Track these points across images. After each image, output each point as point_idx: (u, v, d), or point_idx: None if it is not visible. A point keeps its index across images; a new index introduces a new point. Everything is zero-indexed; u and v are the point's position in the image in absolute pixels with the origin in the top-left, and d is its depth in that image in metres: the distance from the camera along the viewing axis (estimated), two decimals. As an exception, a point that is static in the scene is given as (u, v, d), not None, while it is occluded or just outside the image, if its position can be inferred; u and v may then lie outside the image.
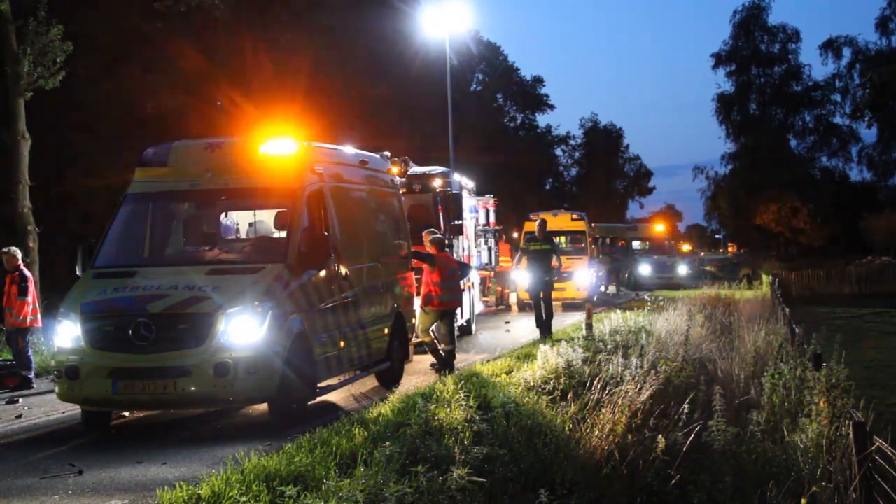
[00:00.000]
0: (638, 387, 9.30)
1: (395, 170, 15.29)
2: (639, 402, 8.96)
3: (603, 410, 8.74)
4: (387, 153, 14.82)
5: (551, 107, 72.96)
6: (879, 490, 6.22)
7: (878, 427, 8.06)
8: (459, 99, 38.30)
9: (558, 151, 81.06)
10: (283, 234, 10.90)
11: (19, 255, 14.49)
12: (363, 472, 6.70)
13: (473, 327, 20.48)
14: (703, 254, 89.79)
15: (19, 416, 11.48)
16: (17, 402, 12.61)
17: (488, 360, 13.62)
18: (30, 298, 14.06)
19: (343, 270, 11.49)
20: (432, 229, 14.61)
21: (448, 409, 8.76)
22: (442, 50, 30.81)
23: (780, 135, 66.67)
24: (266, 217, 11.86)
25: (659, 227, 52.01)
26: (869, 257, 45.14)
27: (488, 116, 62.61)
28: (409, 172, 17.46)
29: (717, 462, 7.88)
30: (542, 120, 75.70)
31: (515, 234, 36.90)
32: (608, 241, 43.35)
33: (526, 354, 13.68)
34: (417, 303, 14.11)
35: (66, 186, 26.99)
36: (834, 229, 62.14)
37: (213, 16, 29.13)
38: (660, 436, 7.95)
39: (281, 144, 11.08)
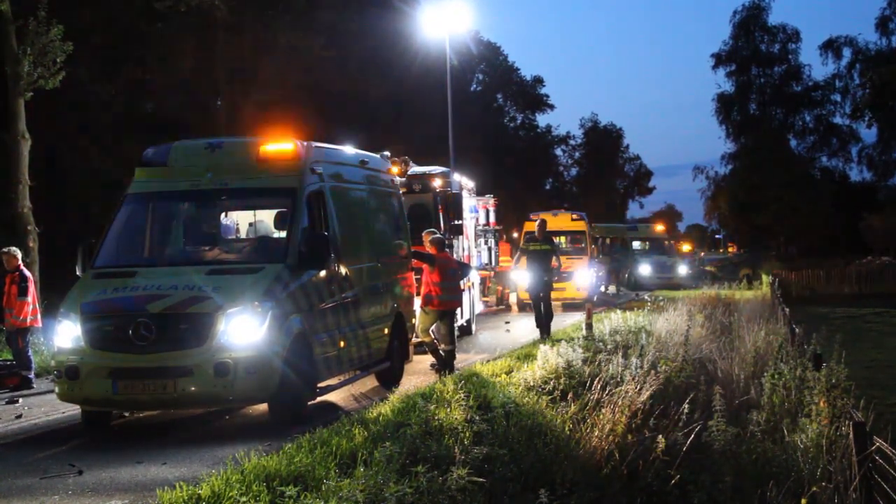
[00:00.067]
0: (638, 387, 9.30)
1: (395, 170, 15.29)
2: (639, 402, 8.96)
3: (603, 410, 8.74)
4: (387, 153, 14.82)
5: (551, 107, 73.02)
6: (879, 490, 6.22)
7: (878, 427, 8.06)
8: (459, 99, 38.23)
9: (558, 151, 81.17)
10: (283, 234, 10.91)
11: (19, 255, 14.49)
12: (363, 472, 6.70)
13: (473, 327, 20.48)
14: (703, 254, 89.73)
15: (19, 416, 11.48)
16: (17, 402, 12.61)
17: (488, 360, 13.62)
18: (30, 298, 14.06)
19: (343, 270, 11.50)
20: (432, 229, 14.61)
21: (448, 409, 8.75)
22: (442, 50, 30.80)
23: (780, 135, 66.61)
24: (266, 217, 11.87)
25: (659, 228, 51.99)
26: (869, 257, 45.13)
27: (488, 116, 62.60)
28: (409, 172, 17.46)
29: (717, 462, 7.88)
30: (542, 120, 75.82)
31: (515, 234, 36.89)
32: (608, 241, 43.34)
33: (526, 354, 13.67)
34: (417, 303, 14.11)
35: (66, 186, 27.00)
36: (834, 229, 62.13)
37: (213, 16, 29.15)
38: (660, 436, 7.95)
39: (281, 144, 11.08)
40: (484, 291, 26.07)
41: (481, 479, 6.71)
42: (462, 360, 15.24)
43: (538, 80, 71.82)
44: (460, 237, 19.16)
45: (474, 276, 20.56)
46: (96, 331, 9.73)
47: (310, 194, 11.03)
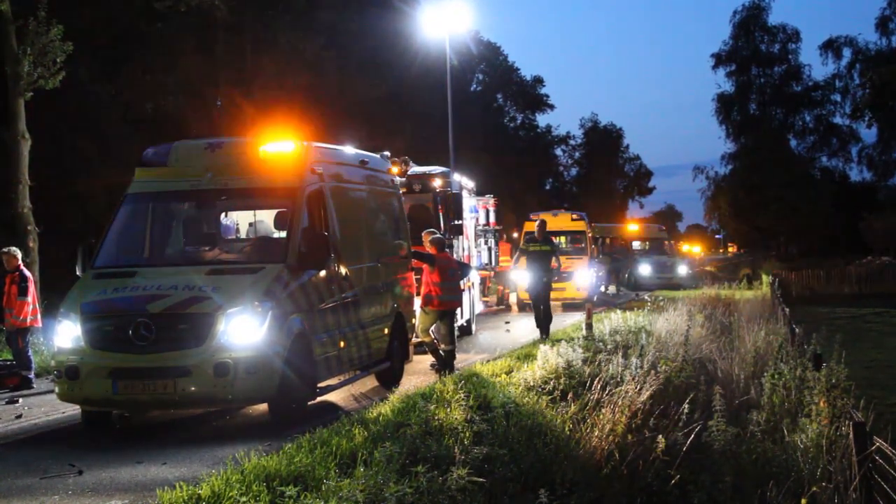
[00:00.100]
0: (638, 387, 9.30)
1: (395, 170, 15.29)
2: (639, 402, 8.96)
3: (603, 410, 8.74)
4: (387, 153, 14.82)
5: (551, 107, 73.13)
6: (879, 490, 6.22)
7: (878, 427, 8.06)
8: (459, 99, 38.25)
9: (558, 151, 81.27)
10: (283, 234, 10.91)
11: (19, 255, 14.49)
12: (363, 472, 6.70)
13: (473, 327, 20.48)
14: (703, 254, 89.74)
15: (19, 416, 11.48)
16: (17, 402, 12.61)
17: (488, 360, 13.62)
18: (30, 298, 14.07)
19: (343, 270, 11.50)
20: (432, 229, 14.60)
21: (448, 409, 8.75)
22: (442, 50, 30.81)
23: (780, 135, 66.67)
24: (266, 217, 11.87)
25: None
26: (869, 257, 45.13)
27: (488, 116, 62.63)
28: (409, 172, 17.45)
29: (717, 462, 7.87)
30: (542, 120, 75.95)
31: (515, 234, 36.89)
32: (608, 241, 43.34)
33: (526, 354, 13.67)
34: (417, 303, 14.10)
35: (66, 186, 26.99)
36: (834, 229, 62.13)
37: (213, 16, 29.16)
38: (660, 436, 7.94)
39: (281, 144, 11.08)
40: (484, 291, 26.06)
41: (481, 479, 6.71)
42: (462, 360, 15.24)
43: (538, 80, 71.96)
44: (460, 237, 19.16)
45: (474, 276, 20.56)
46: (96, 331, 9.73)
47: (310, 194, 11.03)
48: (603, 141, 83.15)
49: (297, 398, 10.18)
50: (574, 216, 31.04)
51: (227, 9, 29.28)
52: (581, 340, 14.15)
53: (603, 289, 35.79)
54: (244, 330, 9.52)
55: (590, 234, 30.77)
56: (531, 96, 71.57)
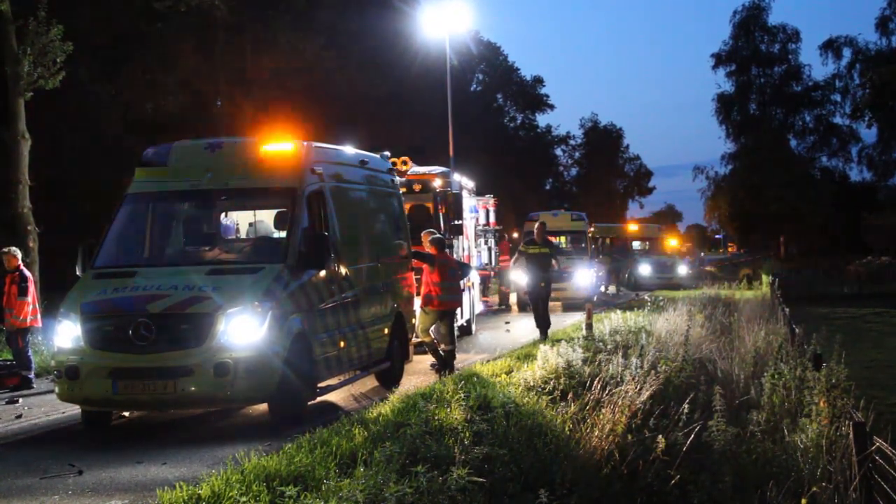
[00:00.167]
0: (638, 387, 9.30)
1: (395, 170, 15.28)
2: (639, 402, 8.96)
3: (603, 410, 8.74)
4: (387, 153, 14.81)
5: (551, 107, 73.11)
6: (879, 490, 6.22)
7: (878, 427, 8.07)
8: (459, 99, 38.23)
9: (558, 151, 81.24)
10: (283, 234, 10.90)
11: (19, 255, 14.48)
12: (363, 472, 6.70)
13: (473, 327, 20.47)
14: (702, 254, 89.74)
15: (19, 416, 11.48)
16: (17, 402, 12.61)
17: (488, 360, 13.61)
18: (30, 298, 14.06)
19: (343, 270, 11.49)
20: (432, 229, 14.61)
21: (448, 409, 8.75)
22: (442, 50, 30.79)
23: (780, 135, 66.68)
24: (266, 217, 11.87)
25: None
26: (869, 257, 45.17)
27: (488, 116, 62.64)
28: (409, 172, 17.46)
29: (717, 462, 7.88)
30: (542, 120, 75.90)
31: (515, 234, 36.90)
32: (608, 241, 43.33)
33: (526, 354, 13.67)
34: (417, 303, 14.10)
35: (66, 186, 27.00)
36: (834, 229, 62.14)
37: (212, 16, 29.17)
38: (660, 436, 7.95)
39: (281, 144, 11.08)
40: (485, 292, 26.06)
41: (481, 479, 6.71)
42: (462, 360, 15.23)
43: (538, 80, 71.93)
44: (460, 237, 19.15)
45: (474, 276, 20.56)
46: (96, 331, 9.73)
47: (310, 194, 11.02)
48: (603, 141, 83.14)
49: (297, 398, 10.17)
50: (574, 216, 31.05)
51: (227, 9, 29.29)
52: (581, 340, 14.15)
53: (603, 289, 35.78)
54: (244, 330, 9.52)
55: (590, 235, 30.78)
56: (531, 96, 71.56)
